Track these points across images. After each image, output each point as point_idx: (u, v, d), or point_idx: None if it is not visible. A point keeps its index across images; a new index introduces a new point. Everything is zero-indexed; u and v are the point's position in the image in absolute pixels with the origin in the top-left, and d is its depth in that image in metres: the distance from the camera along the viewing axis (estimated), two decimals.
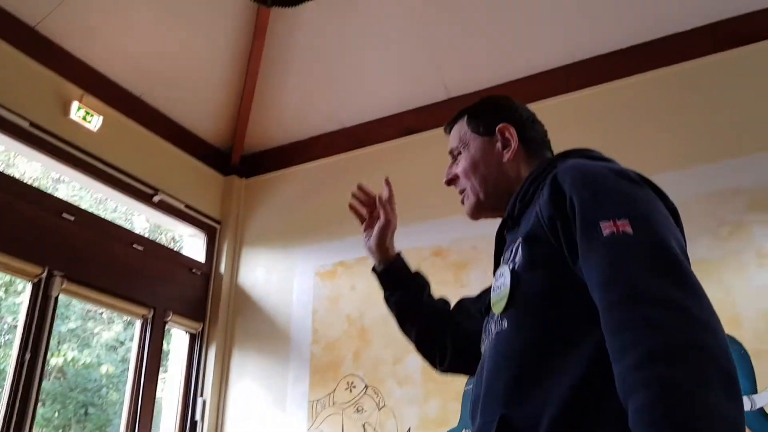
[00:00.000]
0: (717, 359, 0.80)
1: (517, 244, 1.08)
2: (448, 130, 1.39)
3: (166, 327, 3.54)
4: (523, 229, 1.08)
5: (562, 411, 0.90)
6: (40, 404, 3.09)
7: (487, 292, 1.24)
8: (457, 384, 3.02)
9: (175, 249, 4.10)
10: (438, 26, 3.50)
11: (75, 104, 3.25)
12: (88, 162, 3.27)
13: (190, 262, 3.80)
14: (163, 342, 3.53)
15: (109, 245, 3.31)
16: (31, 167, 5.59)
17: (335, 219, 3.75)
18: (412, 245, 3.39)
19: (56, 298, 2.98)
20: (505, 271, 1.07)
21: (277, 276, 3.81)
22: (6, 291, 5.79)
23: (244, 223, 4.10)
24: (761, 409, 2.44)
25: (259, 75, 3.89)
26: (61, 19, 3.17)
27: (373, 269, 1.49)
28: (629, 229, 0.92)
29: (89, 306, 6.30)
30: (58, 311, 3.09)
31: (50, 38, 3.21)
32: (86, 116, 3.28)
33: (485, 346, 1.12)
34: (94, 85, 3.40)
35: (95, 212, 3.50)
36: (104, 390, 6.34)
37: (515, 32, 3.42)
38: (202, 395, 3.59)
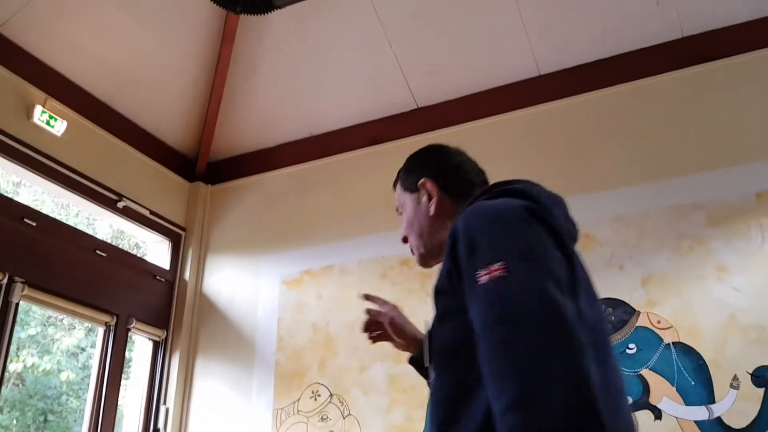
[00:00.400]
0: (580, 403, 0.83)
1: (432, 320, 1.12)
2: (394, 188, 1.44)
3: (129, 334, 3.51)
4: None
5: None
6: None
7: None
8: (422, 392, 3.06)
9: (138, 256, 4.06)
10: (406, 36, 3.55)
11: (38, 108, 3.21)
12: (51, 167, 3.23)
13: (154, 269, 3.78)
14: (126, 349, 3.50)
15: (71, 251, 3.28)
16: None
17: (302, 227, 3.77)
18: (380, 254, 3.44)
19: (17, 305, 2.94)
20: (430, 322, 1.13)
21: (242, 284, 3.80)
22: None
23: (209, 231, 4.08)
24: (719, 418, 2.53)
25: (226, 82, 3.88)
26: (25, 21, 3.13)
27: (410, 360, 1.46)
28: (503, 273, 0.95)
29: (50, 312, 6.19)
30: (17, 317, 3.04)
31: (14, 41, 3.17)
32: (50, 120, 3.25)
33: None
34: (59, 88, 3.36)
35: (57, 218, 3.44)
36: (64, 397, 6.22)
37: (482, 44, 3.48)
38: (165, 403, 3.57)
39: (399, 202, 1.40)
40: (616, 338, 2.81)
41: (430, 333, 1.11)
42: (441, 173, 1.37)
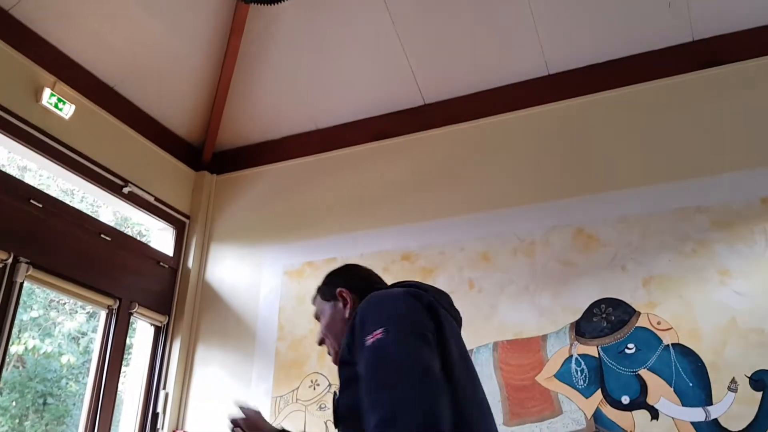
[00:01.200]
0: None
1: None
2: (314, 302, 1.66)
3: (131, 319, 3.52)
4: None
5: None
6: None
7: None
8: None
9: (143, 241, 4.08)
10: (416, 31, 3.55)
11: (47, 91, 3.22)
12: (58, 149, 3.25)
13: (157, 255, 3.79)
14: (128, 333, 3.52)
15: (76, 234, 3.29)
16: None
17: (305, 219, 3.79)
18: (382, 248, 3.46)
19: (21, 285, 2.96)
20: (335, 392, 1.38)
21: (244, 273, 3.82)
22: None
23: (213, 219, 4.10)
24: (716, 420, 2.54)
25: (234, 72, 3.90)
26: (36, 4, 3.15)
27: None
28: (382, 335, 1.23)
29: (53, 295, 6.21)
30: (21, 299, 3.06)
31: (24, 23, 3.18)
32: (58, 103, 3.26)
33: None
34: (68, 72, 3.38)
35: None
36: (64, 381, 6.25)
37: (493, 41, 3.49)
38: (164, 388, 3.59)
39: (318, 310, 1.61)
40: (615, 338, 2.82)
41: (336, 400, 1.35)
42: (353, 282, 1.59)
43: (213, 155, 4.23)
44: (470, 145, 3.54)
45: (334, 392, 1.38)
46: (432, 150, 3.62)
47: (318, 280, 3.51)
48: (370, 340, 1.24)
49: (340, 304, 1.55)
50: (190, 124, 4.10)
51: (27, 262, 2.98)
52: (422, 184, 3.54)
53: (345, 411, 1.31)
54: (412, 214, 3.50)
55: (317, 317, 1.60)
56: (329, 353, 1.56)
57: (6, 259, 2.91)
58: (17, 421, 5.98)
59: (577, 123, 3.33)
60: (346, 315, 1.51)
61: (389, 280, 3.29)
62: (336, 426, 1.35)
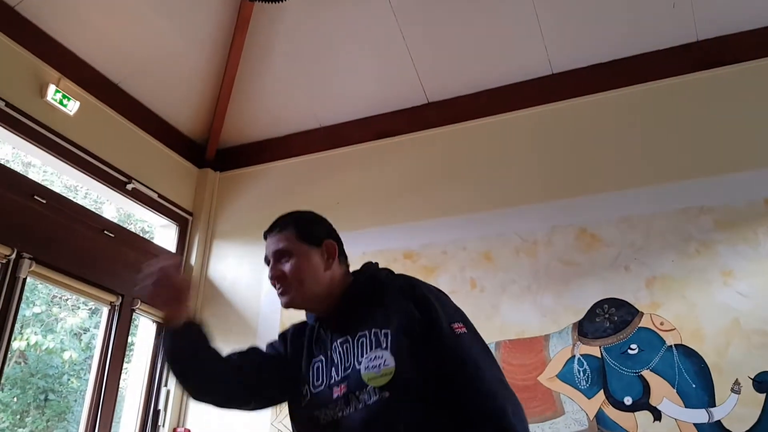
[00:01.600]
0: None
1: (383, 332, 1.33)
2: (275, 231, 1.52)
3: (134, 315, 3.53)
4: (383, 321, 1.35)
5: None
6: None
7: (255, 350, 1.55)
8: None
9: (145, 238, 4.08)
10: (420, 30, 3.55)
11: (52, 87, 3.22)
12: (63, 146, 3.25)
13: (160, 252, 3.80)
14: (130, 330, 3.52)
15: (79, 230, 3.30)
16: (2, 150, 5.51)
17: None
18: (384, 247, 3.45)
19: (24, 280, 2.96)
20: (380, 353, 1.31)
21: (247, 270, 3.82)
22: None
23: (216, 217, 4.10)
24: (719, 422, 2.54)
25: (238, 69, 3.90)
26: (41, 0, 3.15)
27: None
28: (466, 331, 1.33)
29: (55, 291, 6.22)
30: (23, 295, 3.06)
31: (29, 19, 3.18)
32: (63, 100, 3.26)
33: (346, 417, 1.30)
34: (73, 68, 3.38)
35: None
36: (65, 377, 6.26)
37: (497, 40, 3.49)
38: (166, 385, 3.59)
39: (286, 247, 1.47)
40: (617, 338, 2.81)
41: (400, 360, 1.30)
42: (337, 239, 1.55)
43: (216, 152, 4.23)
44: (473, 144, 3.54)
45: (369, 361, 1.32)
46: (435, 149, 3.62)
47: None
48: (458, 329, 1.31)
49: (324, 256, 1.47)
50: (193, 121, 4.10)
51: (30, 258, 2.98)
52: (425, 182, 3.54)
53: (409, 371, 1.27)
54: (414, 212, 3.49)
55: (278, 255, 1.47)
56: (279, 292, 1.46)
57: (9, 255, 2.91)
58: (18, 417, 5.99)
59: (581, 122, 3.33)
60: (324, 268, 1.46)
61: None
62: (388, 384, 1.27)
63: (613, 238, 3.00)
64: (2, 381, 2.89)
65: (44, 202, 3.12)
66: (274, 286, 1.48)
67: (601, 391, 2.76)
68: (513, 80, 3.57)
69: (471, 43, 3.54)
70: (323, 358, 1.42)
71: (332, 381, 1.36)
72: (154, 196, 3.77)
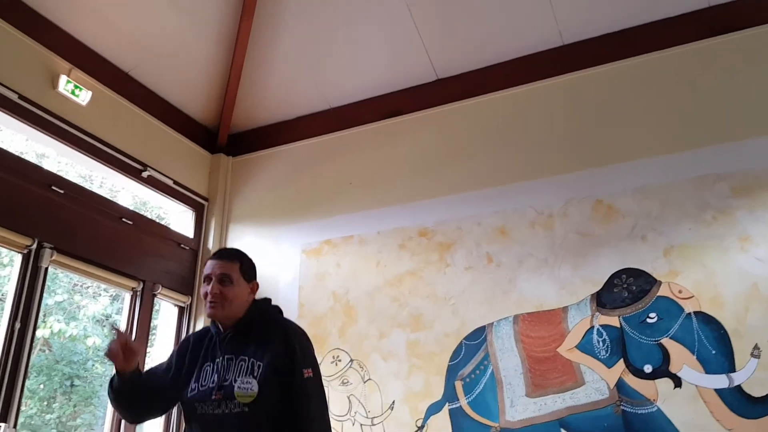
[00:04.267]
0: None
1: (257, 364, 1.82)
2: (225, 259, 1.95)
3: (155, 300, 3.58)
4: (260, 355, 1.83)
5: None
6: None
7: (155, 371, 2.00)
8: (440, 360, 3.10)
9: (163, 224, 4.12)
10: (427, 6, 3.52)
11: (63, 78, 3.24)
12: (77, 136, 3.27)
13: (178, 237, 3.84)
14: (152, 314, 3.58)
15: (98, 219, 3.34)
16: (16, 141, 5.55)
17: (321, 198, 3.80)
18: (398, 225, 3.47)
19: (46, 270, 3.01)
20: (250, 380, 1.80)
21: (263, 253, 3.85)
22: None
23: (231, 201, 4.13)
24: (739, 387, 2.55)
25: (246, 54, 3.89)
26: None
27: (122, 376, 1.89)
28: (314, 375, 1.84)
29: (76, 279, 6.30)
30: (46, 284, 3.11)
31: (39, 11, 3.19)
32: (75, 90, 3.28)
33: (215, 414, 1.81)
34: (83, 59, 3.39)
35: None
36: (90, 363, 6.37)
37: (505, 12, 3.45)
38: None
39: (229, 276, 1.90)
40: (636, 308, 2.82)
41: (260, 387, 1.79)
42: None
43: (228, 137, 4.24)
44: (484, 119, 3.52)
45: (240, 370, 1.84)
46: (446, 125, 3.61)
47: (337, 258, 3.58)
48: (307, 373, 1.82)
49: (248, 291, 1.94)
50: (204, 107, 4.11)
51: (51, 248, 3.02)
52: (437, 159, 3.54)
53: (267, 396, 1.78)
54: (427, 190, 3.50)
55: (222, 277, 1.89)
56: (210, 304, 1.87)
57: (30, 245, 2.95)
58: (45, 403, 6.11)
59: (593, 93, 3.30)
60: (245, 298, 1.92)
61: (407, 258, 3.35)
62: (252, 402, 1.78)
63: (629, 208, 2.99)
64: (29, 369, 2.96)
65: (62, 192, 3.15)
66: (206, 298, 1.90)
67: (621, 361, 2.78)
68: (523, 53, 3.54)
69: (479, 17, 3.51)
70: (211, 365, 1.88)
71: (213, 385, 1.83)
72: (170, 182, 3.80)
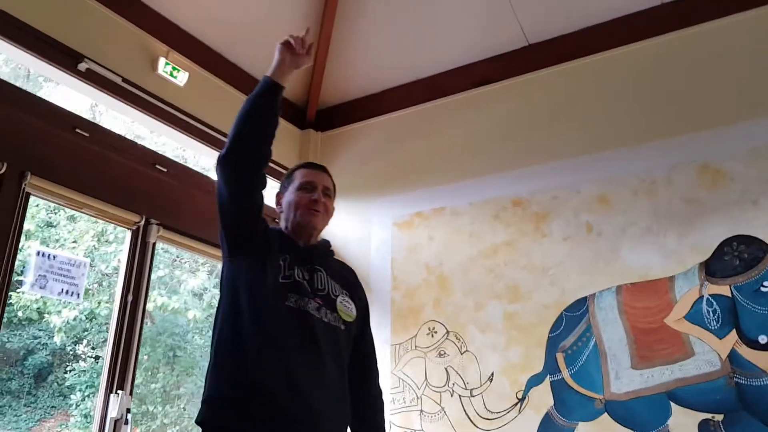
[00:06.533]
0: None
1: (345, 291, 1.85)
2: (327, 173, 1.97)
3: None
4: (348, 285, 1.89)
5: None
6: None
7: None
8: (539, 331, 3.06)
9: None
10: None
11: (162, 60, 3.35)
12: (175, 116, 3.38)
13: (270, 212, 3.91)
14: None
15: (197, 195, 3.45)
16: (116, 123, 5.82)
17: (411, 170, 3.79)
18: (492, 195, 3.42)
19: (153, 245, 3.15)
20: (350, 301, 1.83)
21: (354, 227, 3.89)
22: (98, 241, 6.14)
23: None
24: None
25: (333, 28, 3.90)
26: None
27: (277, 84, 1.82)
28: None
29: (175, 255, 6.60)
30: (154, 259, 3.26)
31: None
32: (173, 72, 3.39)
33: (312, 315, 1.72)
34: (179, 41, 3.49)
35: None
36: (190, 335, 6.70)
37: None
38: None
39: (331, 187, 1.93)
40: (749, 276, 2.68)
41: (357, 314, 1.86)
42: None
43: (317, 113, 4.29)
44: (579, 84, 3.40)
45: (343, 299, 1.82)
46: (539, 92, 3.51)
47: (429, 230, 3.57)
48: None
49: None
50: (293, 83, 4.14)
51: (157, 224, 3.16)
52: (530, 127, 3.45)
53: (357, 325, 1.84)
54: (520, 159, 3.43)
55: (326, 190, 1.90)
56: (313, 211, 1.84)
57: (139, 222, 3.10)
58: (150, 373, 6.48)
59: (700, 52, 3.12)
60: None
61: (501, 229, 3.30)
62: (350, 323, 1.80)
63: (738, 172, 2.83)
64: (141, 339, 3.11)
65: (165, 170, 3.28)
66: (312, 206, 1.84)
67: (734, 331, 2.65)
68: (620, 13, 3.38)
69: None
70: (300, 267, 1.76)
71: (316, 288, 1.75)
72: None
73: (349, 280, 1.90)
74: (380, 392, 1.90)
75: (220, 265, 3.60)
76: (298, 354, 1.64)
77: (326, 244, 1.93)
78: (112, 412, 2.85)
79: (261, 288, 1.69)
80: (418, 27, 3.80)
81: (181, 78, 3.42)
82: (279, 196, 1.99)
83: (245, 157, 1.72)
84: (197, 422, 1.64)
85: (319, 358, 1.67)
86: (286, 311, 1.67)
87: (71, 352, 7.66)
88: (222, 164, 1.70)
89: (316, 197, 1.84)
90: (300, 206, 1.84)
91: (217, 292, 6.56)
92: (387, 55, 3.96)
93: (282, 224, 1.93)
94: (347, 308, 1.78)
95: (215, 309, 1.79)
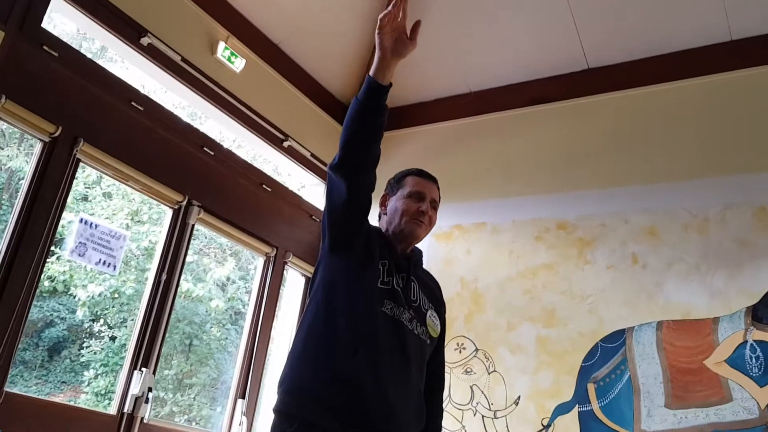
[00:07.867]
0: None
1: (432, 305, 1.86)
2: (436, 184, 1.96)
3: (285, 267, 3.66)
4: (435, 299, 1.90)
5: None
6: None
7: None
8: (573, 359, 2.98)
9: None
10: None
11: (221, 44, 3.36)
12: (229, 102, 3.39)
13: (311, 209, 3.91)
14: (282, 281, 3.66)
15: (241, 183, 3.45)
16: (168, 103, 5.87)
17: (455, 182, 3.73)
18: (536, 216, 3.36)
19: (192, 226, 3.14)
20: (436, 316, 1.85)
21: None
22: (132, 220, 6.17)
23: None
24: None
25: None
26: None
27: (379, 85, 1.66)
28: None
29: (204, 242, 6.62)
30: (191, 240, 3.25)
31: None
32: (231, 57, 3.39)
33: (405, 326, 1.72)
34: (239, 28, 3.50)
35: None
36: (208, 325, 6.68)
37: (668, 5, 3.25)
38: None
39: (438, 200, 1.92)
40: None
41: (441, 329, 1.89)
42: None
43: None
44: (636, 113, 3.34)
45: (432, 314, 1.84)
46: (594, 117, 3.46)
47: (468, 244, 3.51)
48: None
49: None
50: (344, 83, 4.16)
51: (198, 206, 3.15)
52: (582, 151, 3.39)
53: (439, 341, 1.88)
54: (569, 182, 3.37)
55: (434, 203, 1.89)
56: (418, 222, 1.82)
57: (181, 201, 3.09)
58: (164, 359, 6.48)
59: (763, 93, 3.04)
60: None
61: (542, 250, 3.24)
62: (433, 338, 1.81)
63: None
64: (170, 320, 3.09)
65: (212, 153, 3.28)
66: (419, 216, 1.82)
67: None
68: (686, 46, 3.32)
69: (641, 8, 3.32)
70: (397, 276, 1.76)
71: (410, 299, 1.76)
72: (308, 154, 3.87)
73: (435, 296, 1.91)
74: (441, 412, 1.89)
75: (259, 256, 3.59)
76: (388, 359, 1.65)
77: (420, 254, 1.92)
78: (134, 389, 2.83)
79: (359, 289, 1.70)
80: (476, 39, 3.77)
81: (238, 64, 3.42)
82: (385, 198, 1.94)
83: (355, 160, 1.68)
84: (275, 410, 1.65)
85: (407, 366, 1.69)
86: (382, 317, 1.68)
87: (88, 329, 7.71)
88: (335, 169, 1.69)
89: (424, 208, 1.83)
90: (406, 215, 1.83)
91: (241, 284, 6.59)
92: (441, 65, 3.94)
93: (383, 226, 1.90)
94: (435, 323, 1.80)
95: (309, 300, 1.78)
